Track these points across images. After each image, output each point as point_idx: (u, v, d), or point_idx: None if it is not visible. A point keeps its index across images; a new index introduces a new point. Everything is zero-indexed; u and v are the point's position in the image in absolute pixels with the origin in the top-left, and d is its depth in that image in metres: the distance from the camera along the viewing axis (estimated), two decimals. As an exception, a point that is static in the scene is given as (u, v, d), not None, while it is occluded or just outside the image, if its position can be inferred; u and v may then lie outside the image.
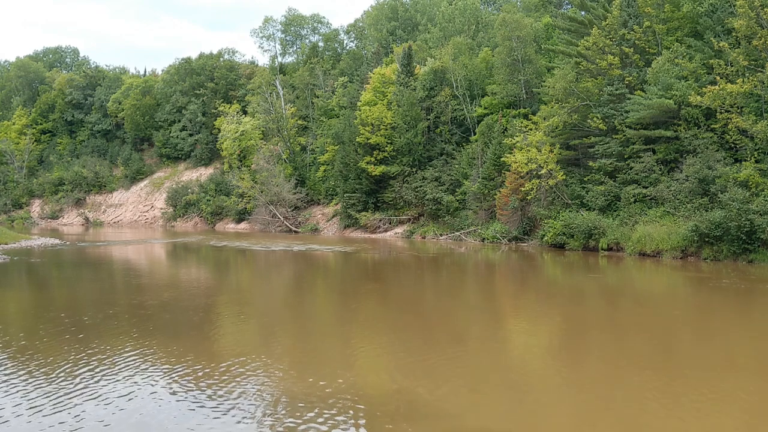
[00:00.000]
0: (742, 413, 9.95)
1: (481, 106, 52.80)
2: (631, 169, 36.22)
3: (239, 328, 16.69)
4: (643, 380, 11.41)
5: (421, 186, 50.98)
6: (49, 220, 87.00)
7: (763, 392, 11.09)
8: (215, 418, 9.46)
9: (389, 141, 53.08)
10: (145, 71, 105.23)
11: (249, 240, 49.78)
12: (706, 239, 29.90)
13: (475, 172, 47.42)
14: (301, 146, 70.42)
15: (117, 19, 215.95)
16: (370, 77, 59.66)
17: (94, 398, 10.24)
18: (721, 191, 30.92)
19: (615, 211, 36.23)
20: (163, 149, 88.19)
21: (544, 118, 41.47)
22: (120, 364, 12.21)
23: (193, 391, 10.64)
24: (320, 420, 9.33)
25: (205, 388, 10.74)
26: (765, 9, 32.31)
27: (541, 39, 52.72)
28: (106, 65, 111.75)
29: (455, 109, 53.89)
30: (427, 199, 49.92)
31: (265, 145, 69.65)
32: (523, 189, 39.76)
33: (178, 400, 10.21)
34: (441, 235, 47.98)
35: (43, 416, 9.46)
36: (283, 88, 74.55)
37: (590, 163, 38.95)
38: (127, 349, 13.36)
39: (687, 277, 26.08)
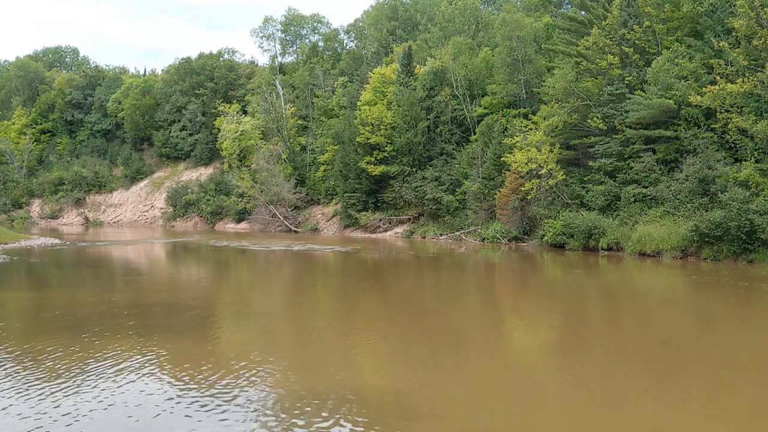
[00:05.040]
0: (742, 413, 9.95)
1: (481, 106, 52.81)
2: (631, 169, 36.22)
3: (239, 328, 16.69)
4: (643, 380, 11.41)
5: (421, 186, 50.98)
6: (48, 219, 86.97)
7: (763, 392, 11.09)
8: (215, 417, 9.45)
9: (389, 141, 53.07)
10: (144, 71, 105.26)
11: (249, 240, 49.78)
12: (706, 239, 29.90)
13: (475, 171, 47.42)
14: (301, 146, 70.41)
15: (112, 19, 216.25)
16: (370, 77, 59.64)
17: (93, 398, 10.23)
18: (721, 191, 30.92)
19: (615, 211, 36.23)
20: (162, 149, 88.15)
21: (544, 118, 41.47)
22: (119, 364, 12.20)
23: (192, 390, 10.63)
24: (320, 420, 9.33)
25: (204, 388, 10.73)
26: (765, 9, 32.31)
27: (541, 39, 52.73)
28: (106, 65, 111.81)
29: (455, 109, 53.89)
30: (427, 199, 49.92)
31: (265, 144, 69.64)
32: (523, 189, 39.75)
33: (177, 400, 10.20)
34: (441, 234, 47.98)
35: (41, 416, 9.45)
36: (282, 88, 74.51)
37: (590, 163, 38.95)
38: (126, 349, 13.36)
39: (687, 276, 26.07)
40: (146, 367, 12.08)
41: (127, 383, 11.02)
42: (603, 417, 9.79)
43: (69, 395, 10.34)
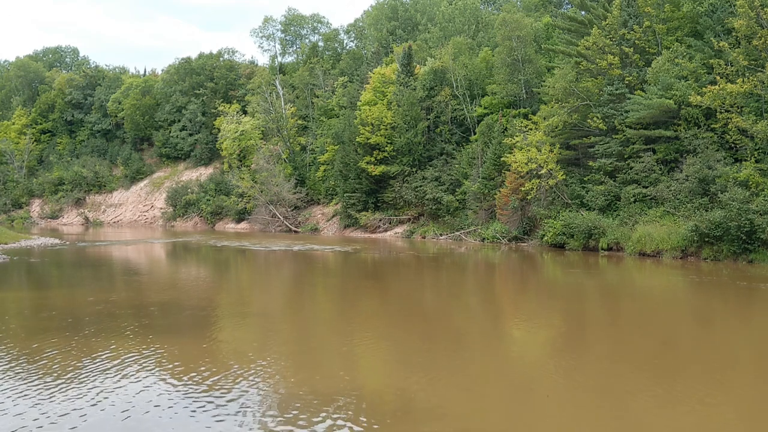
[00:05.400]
0: (742, 413, 9.94)
1: (481, 106, 52.80)
2: (631, 168, 36.21)
3: (238, 328, 16.67)
4: (643, 381, 11.39)
5: (421, 186, 50.97)
6: (48, 219, 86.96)
7: (762, 392, 11.07)
8: (214, 417, 9.43)
9: (389, 141, 53.07)
10: (144, 71, 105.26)
11: (249, 240, 49.77)
12: (706, 239, 29.89)
13: (475, 171, 47.42)
14: (301, 146, 70.42)
15: (112, 19, 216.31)
16: (370, 77, 59.64)
17: (92, 399, 10.20)
18: (721, 191, 30.91)
19: (615, 211, 36.22)
20: (162, 149, 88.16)
21: (544, 118, 41.46)
22: (119, 364, 12.17)
23: (192, 391, 10.61)
24: (320, 420, 9.31)
25: (204, 388, 10.71)
26: (765, 9, 32.30)
27: (541, 39, 52.72)
28: (106, 65, 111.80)
29: (455, 109, 53.88)
30: (427, 199, 49.91)
31: (264, 144, 69.64)
32: (523, 189, 39.75)
33: (176, 401, 10.17)
34: (441, 234, 47.97)
35: (39, 416, 9.44)
36: (282, 88, 74.51)
37: (590, 163, 38.94)
38: (126, 349, 13.33)
39: (686, 276, 26.06)
40: (146, 367, 12.05)
41: (126, 384, 10.98)
42: (602, 417, 9.78)
43: (66, 395, 10.30)
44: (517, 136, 41.96)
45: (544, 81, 45.41)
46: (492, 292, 25.20)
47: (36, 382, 10.96)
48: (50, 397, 10.20)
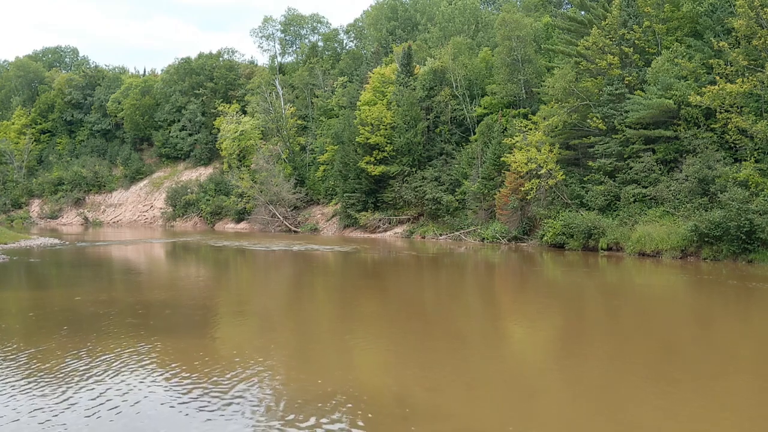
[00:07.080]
0: (741, 414, 9.92)
1: (480, 106, 52.75)
2: (630, 168, 36.21)
3: (238, 328, 16.65)
4: (643, 380, 11.38)
5: (420, 186, 50.96)
6: (48, 219, 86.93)
7: (762, 393, 11.06)
8: (214, 418, 9.41)
9: (389, 141, 53.05)
10: (144, 71, 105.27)
11: (248, 240, 49.75)
12: (706, 239, 29.88)
13: (475, 171, 47.40)
14: (300, 146, 70.41)
15: (109, 18, 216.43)
16: (370, 77, 59.61)
17: (91, 399, 10.18)
18: (721, 191, 30.90)
19: (615, 210, 36.21)
20: (162, 149, 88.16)
21: (544, 118, 41.45)
22: (118, 364, 12.15)
23: (191, 391, 10.58)
24: (319, 420, 9.29)
25: (203, 388, 10.68)
26: (765, 9, 32.28)
27: (541, 39, 52.68)
28: (105, 65, 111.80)
29: (455, 109, 53.85)
30: (426, 199, 49.90)
31: (264, 144, 69.64)
32: (522, 189, 39.74)
33: (175, 401, 10.15)
34: (441, 234, 47.95)
35: (37, 416, 9.41)
36: (282, 88, 74.51)
37: (590, 163, 38.93)
38: (125, 349, 13.31)
39: (686, 276, 26.04)
40: (144, 367, 12.02)
41: (125, 384, 10.95)
42: (603, 416, 9.76)
43: (64, 395, 10.27)
44: (516, 136, 41.94)
45: (543, 81, 45.35)
46: (492, 292, 25.19)
47: (30, 384, 10.91)
48: (45, 399, 10.16)
